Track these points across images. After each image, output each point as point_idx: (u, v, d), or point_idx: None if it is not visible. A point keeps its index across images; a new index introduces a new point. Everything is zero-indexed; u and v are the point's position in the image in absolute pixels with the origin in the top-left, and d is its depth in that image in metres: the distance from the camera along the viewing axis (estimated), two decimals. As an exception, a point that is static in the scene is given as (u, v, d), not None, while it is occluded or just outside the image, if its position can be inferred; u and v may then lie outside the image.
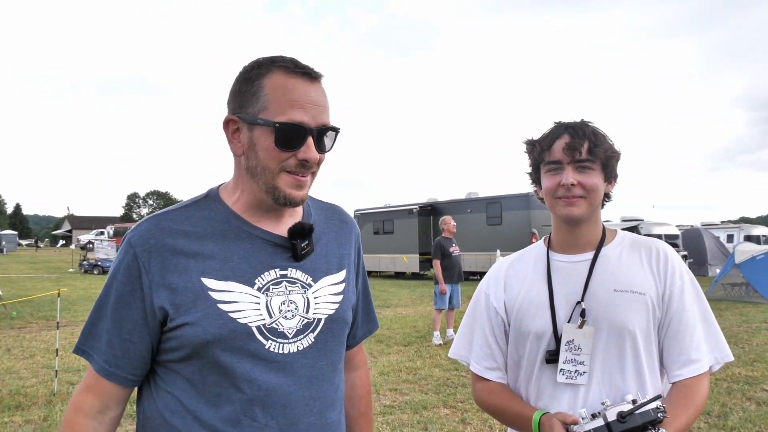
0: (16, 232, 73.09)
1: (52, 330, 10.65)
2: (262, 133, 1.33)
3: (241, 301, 1.34)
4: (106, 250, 30.88)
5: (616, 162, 1.76)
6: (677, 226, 30.91)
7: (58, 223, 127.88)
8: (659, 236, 26.92)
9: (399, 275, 27.11)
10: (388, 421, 5.74)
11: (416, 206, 25.46)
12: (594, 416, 1.54)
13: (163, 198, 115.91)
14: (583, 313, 1.70)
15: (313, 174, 1.42)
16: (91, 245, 32.13)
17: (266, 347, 1.34)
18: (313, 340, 1.41)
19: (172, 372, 1.37)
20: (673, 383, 1.69)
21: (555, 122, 1.78)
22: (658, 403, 1.53)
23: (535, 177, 1.83)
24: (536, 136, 1.80)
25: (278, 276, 1.39)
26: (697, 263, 28.00)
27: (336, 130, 1.40)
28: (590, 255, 1.78)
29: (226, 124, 1.38)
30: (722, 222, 36.62)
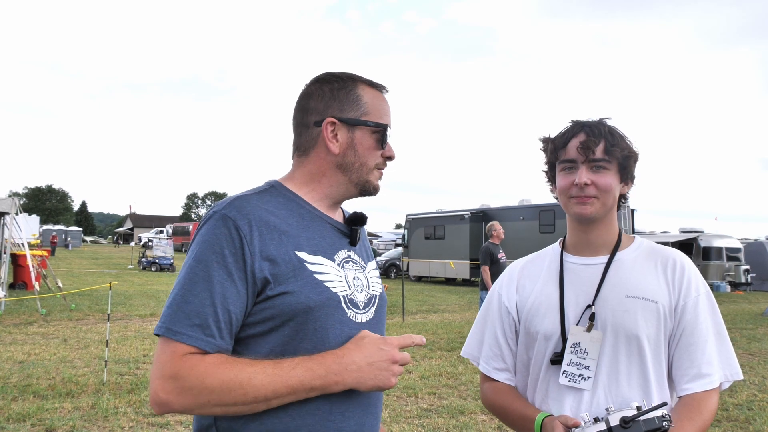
0: (81, 229, 75.86)
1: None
2: (363, 134, 1.56)
3: (330, 273, 1.48)
4: (164, 248, 31.78)
5: (635, 163, 1.73)
6: (741, 239, 29.74)
7: (120, 221, 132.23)
8: (720, 249, 26.03)
9: (449, 281, 26.99)
10: (424, 425, 5.73)
11: (468, 212, 25.32)
12: (596, 420, 1.51)
13: (220, 198, 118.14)
14: (592, 317, 1.67)
15: None
16: (150, 243, 33.14)
17: (348, 315, 1.47)
18: (374, 313, 1.56)
19: (252, 347, 1.40)
20: (680, 396, 1.65)
21: (572, 120, 1.76)
22: (664, 411, 1.49)
23: (551, 175, 1.81)
24: (553, 134, 1.78)
25: (346, 255, 1.57)
26: (760, 278, 26.91)
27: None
28: (604, 258, 1.74)
29: (326, 125, 1.55)
30: (789, 236, 35.05)
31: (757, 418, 6.13)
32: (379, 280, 1.69)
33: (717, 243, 26.36)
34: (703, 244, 26.29)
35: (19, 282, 17.08)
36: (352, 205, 1.72)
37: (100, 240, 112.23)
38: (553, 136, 1.78)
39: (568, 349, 1.68)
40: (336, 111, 1.55)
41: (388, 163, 1.62)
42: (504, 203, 25.75)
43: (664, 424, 1.47)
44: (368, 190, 1.60)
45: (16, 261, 16.96)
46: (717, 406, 1.64)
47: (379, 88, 1.62)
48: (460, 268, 25.07)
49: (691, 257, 25.55)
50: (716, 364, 1.64)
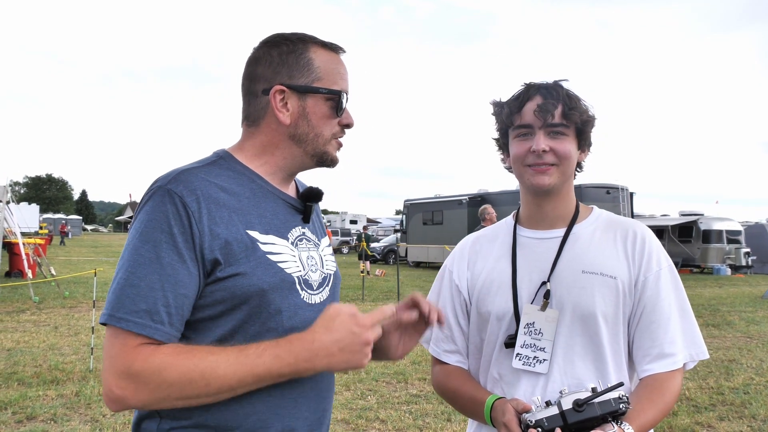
0: (81, 218, 75.91)
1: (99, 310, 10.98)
2: (316, 101, 1.43)
3: (284, 253, 1.39)
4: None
5: (591, 128, 1.60)
6: (741, 222, 29.61)
7: (121, 209, 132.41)
8: (720, 232, 25.93)
9: (448, 266, 26.85)
10: (411, 411, 5.64)
11: (466, 197, 25.20)
12: (548, 404, 1.39)
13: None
14: (547, 295, 1.55)
15: None
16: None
17: (302, 297, 1.40)
18: (328, 293, 1.49)
19: (202, 331, 1.31)
20: (642, 378, 1.52)
21: (525, 83, 1.61)
22: (621, 392, 1.37)
23: (503, 143, 1.67)
24: (505, 98, 1.63)
25: (300, 233, 1.48)
26: (761, 260, 26.83)
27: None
28: (561, 232, 1.62)
29: (274, 93, 1.42)
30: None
31: (753, 402, 6.03)
32: (333, 258, 1.60)
33: (717, 226, 26.22)
34: (703, 227, 26.17)
35: (14, 270, 17.00)
36: (310, 179, 1.61)
37: (101, 228, 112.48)
38: (505, 99, 1.63)
39: (521, 330, 1.56)
40: (285, 78, 1.42)
41: (347, 131, 1.51)
42: (502, 188, 25.61)
43: (621, 406, 1.35)
44: (326, 161, 1.49)
45: (12, 249, 16.88)
46: (680, 388, 1.52)
47: (334, 48, 1.48)
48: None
49: (690, 240, 25.45)
50: (680, 343, 1.52)
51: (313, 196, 1.53)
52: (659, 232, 26.35)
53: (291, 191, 1.52)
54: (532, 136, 1.55)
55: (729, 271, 25.18)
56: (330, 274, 1.53)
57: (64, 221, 57.85)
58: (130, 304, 1.22)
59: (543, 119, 1.53)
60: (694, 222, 26.45)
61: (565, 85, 1.58)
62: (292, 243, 1.43)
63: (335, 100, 1.44)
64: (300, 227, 1.49)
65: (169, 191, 1.28)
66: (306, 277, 1.42)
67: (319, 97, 1.43)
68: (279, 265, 1.36)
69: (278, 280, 1.34)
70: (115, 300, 1.23)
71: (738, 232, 26.70)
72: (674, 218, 27.99)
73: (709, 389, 6.53)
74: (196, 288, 1.28)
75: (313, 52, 1.44)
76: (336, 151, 1.49)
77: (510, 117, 1.59)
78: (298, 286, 1.39)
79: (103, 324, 1.24)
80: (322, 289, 1.47)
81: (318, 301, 1.44)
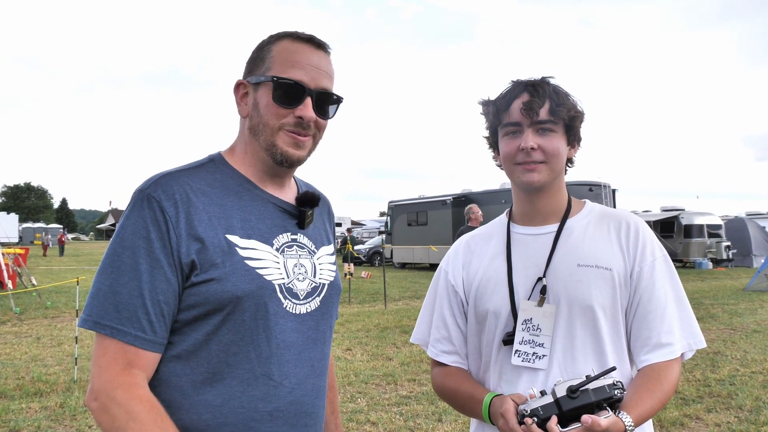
0: (61, 226, 74.96)
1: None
2: (265, 91, 1.38)
3: (265, 259, 1.35)
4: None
5: (581, 123, 1.59)
6: (722, 216, 29.93)
7: (102, 217, 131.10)
8: (701, 226, 26.20)
9: (434, 267, 26.86)
10: (402, 412, 5.60)
11: (450, 197, 25.20)
12: (543, 393, 1.39)
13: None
14: (543, 290, 1.54)
15: (315, 139, 1.44)
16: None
17: (284, 306, 1.35)
18: (318, 303, 1.44)
19: (181, 333, 1.30)
20: (640, 368, 1.52)
21: (512, 80, 1.61)
22: (614, 378, 1.37)
23: (493, 141, 1.67)
24: (494, 96, 1.63)
25: (290, 239, 1.43)
26: (741, 254, 27.14)
27: (338, 99, 1.45)
28: (554, 227, 1.61)
29: (236, 87, 1.44)
30: (769, 212, 35.36)
31: (739, 393, 6.07)
32: (332, 267, 1.54)
33: (698, 220, 26.49)
34: (684, 221, 26.42)
35: (-6, 281, 16.74)
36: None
37: (82, 237, 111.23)
38: (493, 98, 1.62)
39: (519, 327, 1.55)
40: (247, 72, 1.44)
41: (321, 131, 1.44)
42: (486, 187, 25.66)
43: (615, 392, 1.35)
44: (275, 155, 1.39)
45: (-9, 260, 16.61)
46: (679, 377, 1.52)
47: (304, 40, 1.41)
48: (443, 253, 24.89)
49: (672, 235, 25.71)
50: (677, 332, 1.52)
51: (307, 201, 1.47)
52: (641, 227, 26.53)
53: (288, 194, 1.48)
54: (521, 134, 1.55)
55: (711, 264, 25.45)
56: (323, 284, 1.47)
57: (61, 230, 57.10)
58: (114, 311, 1.23)
59: (530, 117, 1.52)
60: (676, 217, 26.70)
61: (552, 81, 1.58)
62: (278, 249, 1.39)
63: (284, 88, 1.36)
64: (290, 233, 1.43)
65: (148, 196, 1.29)
66: (290, 285, 1.37)
67: (268, 86, 1.37)
68: (257, 271, 1.32)
69: (255, 287, 1.30)
70: (98, 306, 1.24)
71: (719, 226, 26.98)
72: (656, 214, 28.21)
73: (696, 382, 6.57)
74: (175, 293, 1.28)
75: (279, 45, 1.40)
76: (289, 146, 1.39)
77: (498, 115, 1.59)
78: (279, 295, 1.34)
79: (86, 328, 1.25)
80: (310, 299, 1.42)
81: (305, 311, 1.39)
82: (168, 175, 1.34)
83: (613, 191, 22.00)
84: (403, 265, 27.43)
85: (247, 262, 1.31)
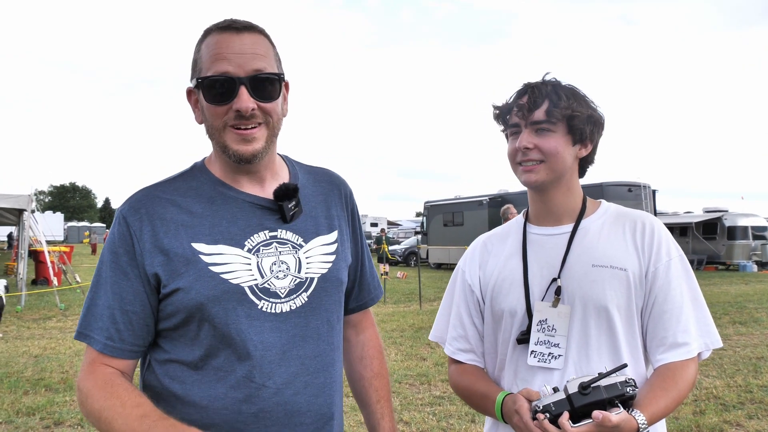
0: (104, 225, 76.78)
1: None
2: (203, 92, 1.35)
3: (232, 263, 1.35)
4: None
5: (586, 122, 1.57)
6: (767, 217, 29.10)
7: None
8: (745, 228, 25.53)
9: (469, 267, 26.70)
10: (435, 412, 5.61)
11: (486, 197, 25.07)
12: (555, 390, 1.40)
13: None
14: (558, 291, 1.55)
15: (268, 127, 1.39)
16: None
17: (259, 307, 1.35)
18: (306, 299, 1.41)
19: (169, 339, 1.38)
20: (656, 368, 1.52)
21: (524, 83, 1.63)
22: (627, 375, 1.37)
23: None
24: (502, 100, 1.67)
25: (268, 237, 1.41)
26: (788, 257, 26.30)
27: (276, 76, 1.37)
28: (569, 227, 1.62)
29: (188, 95, 1.44)
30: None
31: (782, 400, 5.92)
32: (328, 258, 1.48)
33: (742, 222, 25.82)
34: (727, 223, 25.78)
35: (40, 278, 17.26)
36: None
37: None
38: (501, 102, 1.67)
39: (534, 327, 1.57)
40: (192, 77, 1.40)
41: (272, 115, 1.37)
42: (522, 188, 25.37)
43: (627, 389, 1.35)
44: (230, 155, 1.37)
45: (37, 257, 17.14)
46: (695, 377, 1.51)
47: (223, 28, 1.35)
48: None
49: (715, 237, 25.07)
50: (693, 332, 1.51)
51: (282, 194, 1.42)
52: (683, 229, 26.04)
53: (271, 188, 1.45)
54: (520, 134, 1.57)
55: (755, 267, 24.76)
56: (311, 279, 1.43)
57: (107, 230, 58.54)
58: (93, 321, 1.35)
59: (525, 118, 1.55)
60: (719, 218, 26.06)
61: (555, 81, 1.59)
62: (251, 250, 1.38)
63: (212, 86, 1.32)
64: (269, 230, 1.41)
65: (120, 213, 1.38)
66: (266, 285, 1.36)
67: (203, 88, 1.34)
68: (222, 276, 1.33)
69: (219, 291, 1.32)
70: (82, 317, 1.37)
71: (764, 228, 26.25)
72: (698, 215, 27.61)
73: (737, 387, 6.42)
74: (144, 303, 1.36)
75: (203, 43, 1.37)
76: (237, 144, 1.35)
77: (503, 117, 1.63)
78: (252, 296, 1.35)
79: (75, 338, 1.40)
80: (294, 295, 1.40)
81: (287, 309, 1.38)
82: (141, 191, 1.42)
83: (653, 192, 21.60)
84: (439, 266, 27.38)
85: (211, 268, 1.33)
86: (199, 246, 1.34)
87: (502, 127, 1.67)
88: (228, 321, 1.32)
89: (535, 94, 1.55)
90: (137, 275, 1.34)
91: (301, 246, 1.44)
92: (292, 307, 1.39)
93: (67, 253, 18.45)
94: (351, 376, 1.70)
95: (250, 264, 1.36)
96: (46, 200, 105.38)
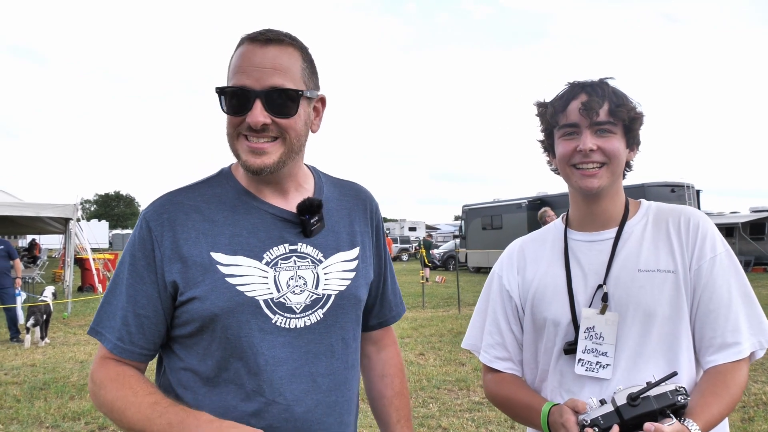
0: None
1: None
2: (224, 101, 1.37)
3: (249, 275, 1.34)
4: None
5: (640, 126, 1.54)
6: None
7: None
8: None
9: (508, 271, 26.43)
10: (474, 418, 5.56)
11: (525, 200, 24.80)
12: (603, 402, 1.34)
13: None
14: (605, 297, 1.49)
15: (285, 142, 1.36)
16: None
17: (273, 321, 1.34)
18: (322, 316, 1.39)
19: (184, 347, 1.38)
20: (705, 370, 1.45)
21: (569, 82, 1.57)
22: (677, 384, 1.31)
23: (548, 144, 1.63)
24: (549, 98, 1.59)
25: (287, 251, 1.39)
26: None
27: (295, 92, 1.34)
28: (612, 233, 1.56)
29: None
30: None
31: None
32: (348, 275, 1.46)
33: (791, 222, 25.02)
34: (776, 223, 25.00)
35: (86, 285, 17.67)
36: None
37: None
38: (549, 99, 1.59)
39: (581, 335, 1.51)
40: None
41: (288, 131, 1.35)
42: (561, 190, 25.10)
43: (679, 398, 1.29)
44: (242, 165, 1.37)
45: (83, 265, 17.56)
46: (747, 379, 1.44)
47: (250, 39, 1.35)
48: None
49: (763, 237, 24.32)
50: (744, 330, 1.44)
51: (305, 208, 1.41)
52: (729, 230, 25.33)
53: (290, 201, 1.43)
54: (579, 135, 1.51)
55: (806, 268, 23.97)
56: (329, 295, 1.41)
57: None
58: (106, 319, 1.38)
59: (589, 117, 1.48)
60: (767, 218, 25.31)
61: (610, 82, 1.53)
62: (269, 263, 1.36)
63: (229, 97, 1.34)
64: (288, 244, 1.39)
65: (144, 216, 1.39)
66: (281, 300, 1.35)
67: (222, 96, 1.36)
68: (238, 288, 1.32)
69: (234, 304, 1.31)
70: (97, 314, 1.40)
71: (815, 228, 25.39)
72: (745, 215, 26.83)
73: (789, 394, 6.20)
74: (157, 308, 1.36)
75: (236, 53, 1.37)
76: (248, 155, 1.34)
77: (555, 116, 1.55)
78: (267, 310, 1.33)
79: (88, 333, 1.44)
80: (310, 312, 1.37)
81: (301, 325, 1.36)
82: (167, 195, 1.42)
83: (698, 192, 21.10)
84: (478, 270, 27.17)
85: (227, 279, 1.33)
86: (217, 255, 1.34)
87: (544, 126, 1.61)
88: (241, 334, 1.32)
89: (597, 93, 1.49)
90: (153, 280, 1.35)
91: (320, 261, 1.42)
92: (307, 324, 1.37)
93: (112, 260, 18.85)
94: (371, 394, 1.67)
95: (267, 277, 1.35)
96: (92, 209, 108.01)
